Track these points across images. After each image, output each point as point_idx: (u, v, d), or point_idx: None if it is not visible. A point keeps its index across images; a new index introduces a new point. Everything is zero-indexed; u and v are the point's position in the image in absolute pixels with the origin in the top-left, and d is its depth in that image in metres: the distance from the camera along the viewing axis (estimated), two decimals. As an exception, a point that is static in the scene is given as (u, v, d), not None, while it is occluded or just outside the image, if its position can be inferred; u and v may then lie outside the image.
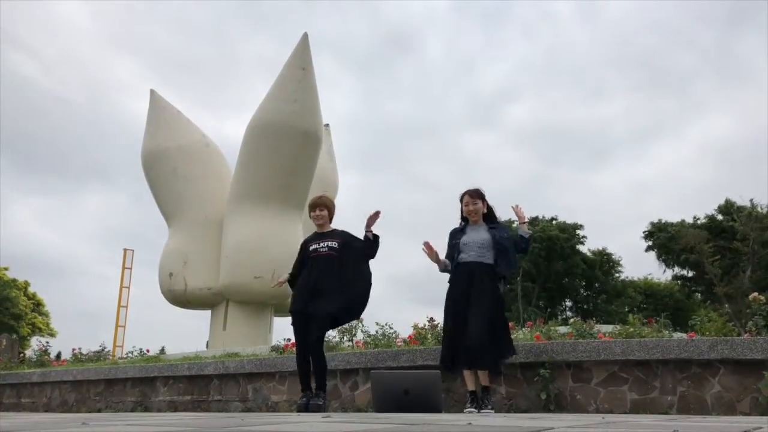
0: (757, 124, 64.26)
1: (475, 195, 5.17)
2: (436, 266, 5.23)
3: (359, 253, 5.22)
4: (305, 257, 5.30)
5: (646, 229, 40.66)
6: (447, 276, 5.20)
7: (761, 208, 34.53)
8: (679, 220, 39.34)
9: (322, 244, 5.21)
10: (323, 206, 5.37)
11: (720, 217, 37.42)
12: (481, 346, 4.70)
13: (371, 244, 5.19)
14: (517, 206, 5.14)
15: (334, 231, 5.39)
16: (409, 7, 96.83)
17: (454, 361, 4.94)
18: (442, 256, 5.20)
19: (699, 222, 37.78)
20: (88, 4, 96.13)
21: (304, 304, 5.09)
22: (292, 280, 5.44)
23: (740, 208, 35.61)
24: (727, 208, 37.10)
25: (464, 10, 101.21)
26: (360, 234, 5.27)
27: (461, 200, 5.24)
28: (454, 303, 4.99)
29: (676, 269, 39.95)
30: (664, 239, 38.35)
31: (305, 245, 5.39)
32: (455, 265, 5.05)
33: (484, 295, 4.86)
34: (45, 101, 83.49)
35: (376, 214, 5.15)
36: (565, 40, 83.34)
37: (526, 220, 5.22)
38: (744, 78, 70.67)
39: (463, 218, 5.29)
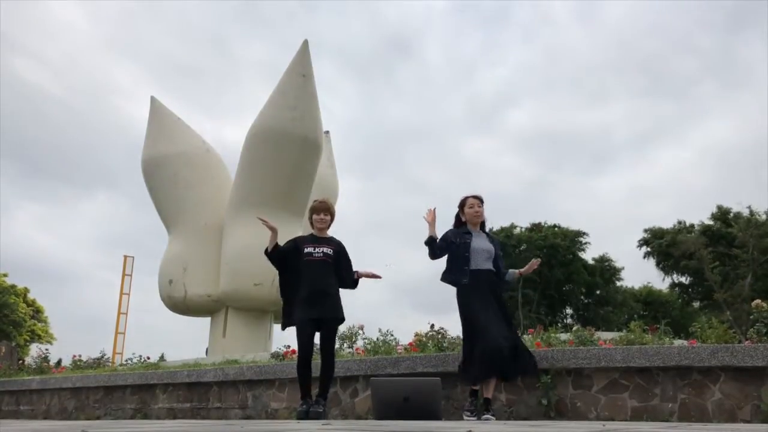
0: (758, 128, 64.38)
1: (481, 201, 5.29)
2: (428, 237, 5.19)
3: (345, 273, 5.29)
4: (297, 255, 5.26)
5: (641, 237, 40.58)
6: (441, 268, 5.24)
7: (759, 215, 34.51)
8: (675, 225, 39.15)
9: (317, 249, 5.20)
10: (327, 212, 5.38)
11: (712, 223, 37.33)
12: (524, 356, 4.85)
13: (353, 282, 5.33)
14: (534, 261, 5.26)
15: (332, 239, 5.40)
16: (408, 12, 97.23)
17: (492, 367, 4.76)
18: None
19: (695, 229, 37.69)
20: (88, 10, 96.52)
21: (314, 312, 5.07)
22: (272, 249, 5.28)
23: (737, 215, 35.60)
24: (722, 214, 37.06)
25: (463, 14, 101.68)
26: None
27: (463, 204, 5.26)
28: (475, 311, 4.92)
29: (675, 276, 39.84)
30: (661, 246, 38.20)
31: (300, 242, 5.36)
32: (469, 271, 5.01)
33: (503, 307, 5.04)
34: (47, 106, 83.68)
35: (375, 277, 5.35)
36: (565, 45, 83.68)
37: (523, 273, 5.30)
38: (745, 82, 70.98)
39: (462, 223, 5.30)
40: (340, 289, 5.32)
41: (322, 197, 5.78)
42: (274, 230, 5.20)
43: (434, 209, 5.26)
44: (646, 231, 40.19)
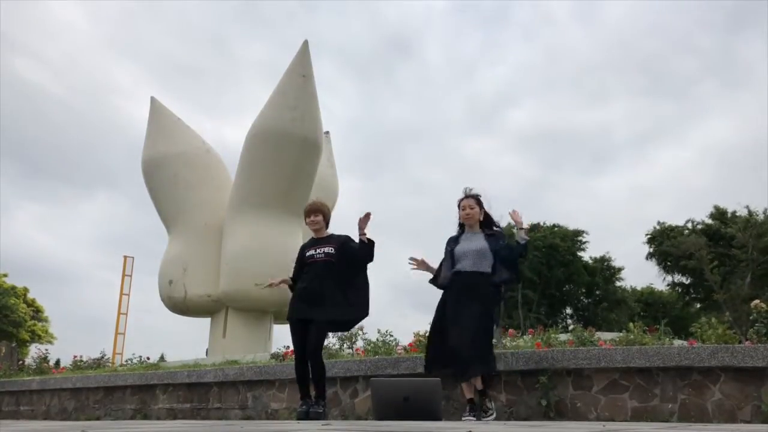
0: (758, 127, 64.40)
1: (472, 200, 5.13)
2: (431, 276, 5.24)
3: (356, 257, 5.14)
4: (303, 263, 5.29)
5: (648, 232, 40.27)
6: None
7: (757, 215, 34.50)
8: (683, 223, 39.03)
9: (318, 251, 5.17)
10: (317, 212, 5.30)
11: (711, 221, 37.30)
12: (467, 357, 4.68)
13: (367, 248, 5.06)
14: (514, 212, 4.99)
15: (331, 236, 5.34)
16: (408, 12, 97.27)
17: (434, 364, 4.99)
18: (435, 265, 5.24)
19: (698, 227, 37.66)
20: (88, 10, 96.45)
21: (302, 311, 5.07)
22: (292, 285, 5.42)
23: (734, 214, 35.59)
24: (720, 215, 37.04)
25: (463, 14, 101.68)
26: (356, 237, 5.21)
27: (459, 206, 5.22)
28: (442, 308, 4.97)
29: (676, 276, 39.76)
30: (666, 245, 38.08)
31: (303, 251, 5.38)
32: (452, 273, 5.01)
33: (475, 305, 4.79)
34: (47, 106, 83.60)
35: (367, 217, 5.01)
36: (565, 44, 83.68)
37: (525, 225, 5.04)
38: (745, 82, 71.01)
39: (461, 225, 5.26)
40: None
41: (314, 199, 5.72)
42: (284, 282, 5.39)
43: (419, 260, 5.23)
44: (659, 224, 39.93)
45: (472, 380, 4.85)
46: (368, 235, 5.07)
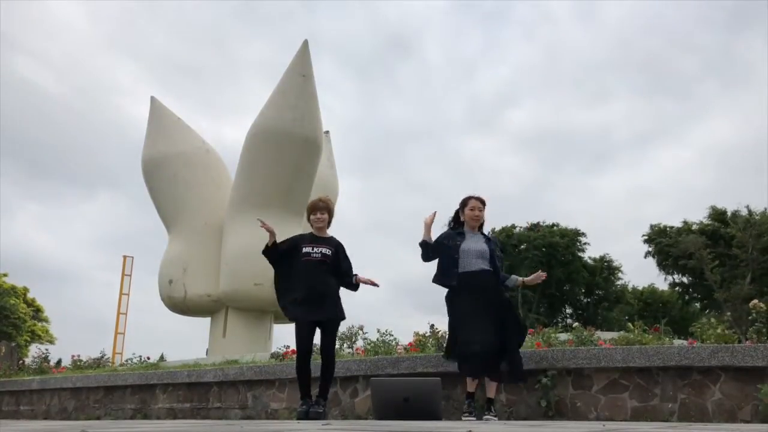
0: (758, 127, 64.38)
1: (483, 203, 5.23)
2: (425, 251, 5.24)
3: (344, 275, 5.25)
4: (295, 250, 5.23)
5: (645, 233, 40.28)
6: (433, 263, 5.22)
7: (756, 215, 34.48)
8: (680, 223, 39.01)
9: (316, 250, 5.16)
10: (325, 210, 5.31)
11: (708, 221, 37.29)
12: (513, 360, 4.83)
13: (352, 287, 5.28)
14: (543, 274, 5.22)
15: (331, 239, 5.35)
16: (408, 11, 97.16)
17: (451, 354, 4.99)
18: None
19: (694, 228, 37.65)
20: (88, 9, 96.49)
21: (309, 314, 5.06)
22: (271, 246, 5.29)
23: (735, 214, 35.58)
24: (718, 215, 37.03)
25: (464, 13, 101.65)
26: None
27: (465, 204, 5.23)
28: (453, 309, 5.01)
29: (676, 276, 39.72)
30: (663, 245, 38.06)
31: (300, 241, 5.34)
32: (459, 273, 4.99)
33: (502, 306, 4.97)
34: (47, 105, 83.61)
35: (373, 284, 5.28)
36: (565, 44, 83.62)
37: (526, 281, 5.23)
38: (745, 82, 71.03)
39: (455, 221, 5.30)
40: (341, 288, 5.30)
41: (321, 196, 5.71)
42: (272, 233, 5.19)
43: (435, 213, 5.23)
44: (653, 227, 39.93)
45: (489, 385, 4.88)
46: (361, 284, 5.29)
